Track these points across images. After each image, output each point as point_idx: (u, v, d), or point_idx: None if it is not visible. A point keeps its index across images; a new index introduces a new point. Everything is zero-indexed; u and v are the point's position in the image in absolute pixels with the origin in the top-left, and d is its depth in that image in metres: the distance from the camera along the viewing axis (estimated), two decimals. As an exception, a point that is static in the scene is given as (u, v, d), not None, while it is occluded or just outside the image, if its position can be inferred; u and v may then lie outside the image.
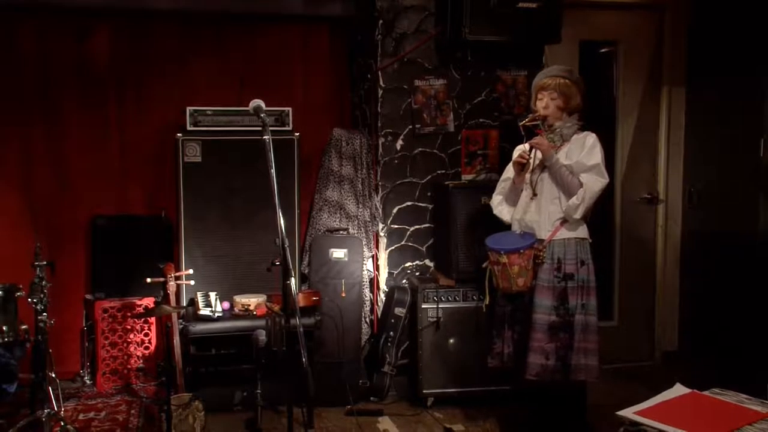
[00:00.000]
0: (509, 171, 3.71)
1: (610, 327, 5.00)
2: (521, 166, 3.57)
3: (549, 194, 3.51)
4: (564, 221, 3.49)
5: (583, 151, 3.47)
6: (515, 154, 3.67)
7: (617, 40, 4.98)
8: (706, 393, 2.53)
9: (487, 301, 3.73)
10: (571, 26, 4.47)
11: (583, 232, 3.53)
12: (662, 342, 5.14)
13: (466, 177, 4.53)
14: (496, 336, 3.69)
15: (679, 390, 2.53)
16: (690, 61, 5.01)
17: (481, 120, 4.58)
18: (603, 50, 5.08)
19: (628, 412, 2.33)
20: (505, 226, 3.73)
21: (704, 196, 4.94)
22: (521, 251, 3.45)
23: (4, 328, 3.53)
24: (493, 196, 3.81)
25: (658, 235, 5.11)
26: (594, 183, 3.41)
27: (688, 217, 5.06)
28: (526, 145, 3.57)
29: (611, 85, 5.04)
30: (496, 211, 3.77)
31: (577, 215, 3.43)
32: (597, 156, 3.45)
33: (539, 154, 3.53)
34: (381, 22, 4.44)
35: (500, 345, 3.65)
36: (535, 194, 3.55)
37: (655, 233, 5.11)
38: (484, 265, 3.68)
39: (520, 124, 3.60)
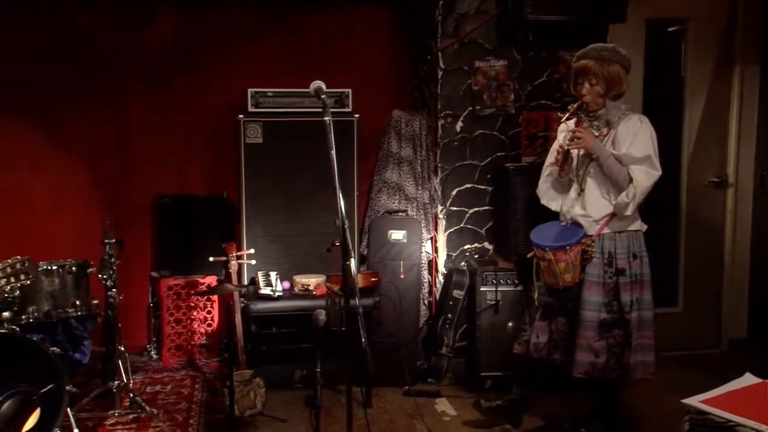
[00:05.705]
0: (553, 157, 3.46)
1: (675, 313, 4.88)
2: (560, 163, 3.34)
3: (596, 190, 3.30)
4: (614, 214, 3.28)
5: (633, 139, 3.20)
6: (560, 134, 3.47)
7: (687, 17, 4.78)
8: (778, 383, 2.45)
9: (536, 295, 3.48)
10: (637, 4, 4.31)
11: (635, 224, 3.32)
12: (729, 329, 4.98)
13: (527, 159, 4.47)
14: (528, 323, 3.56)
15: (748, 379, 2.45)
16: (765, 39, 4.78)
17: (542, 102, 4.50)
18: (671, 29, 4.90)
19: (694, 401, 2.28)
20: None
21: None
22: (567, 248, 3.26)
23: (77, 302, 3.68)
24: (540, 183, 3.59)
25: (727, 220, 4.93)
26: (645, 177, 3.17)
27: (760, 201, 4.88)
28: (570, 123, 3.34)
29: (680, 65, 4.87)
30: (543, 201, 3.57)
31: (628, 212, 3.21)
32: (648, 146, 3.18)
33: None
34: (441, 2, 4.39)
35: (529, 333, 3.51)
36: (582, 189, 3.34)
37: (723, 218, 4.93)
38: (529, 256, 3.53)
39: (561, 120, 3.41)
